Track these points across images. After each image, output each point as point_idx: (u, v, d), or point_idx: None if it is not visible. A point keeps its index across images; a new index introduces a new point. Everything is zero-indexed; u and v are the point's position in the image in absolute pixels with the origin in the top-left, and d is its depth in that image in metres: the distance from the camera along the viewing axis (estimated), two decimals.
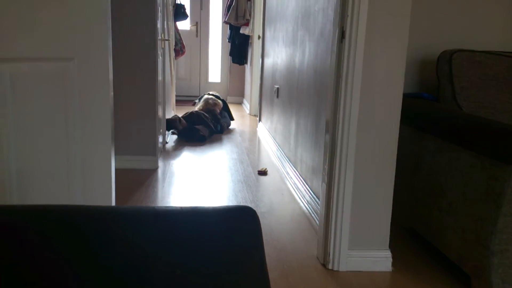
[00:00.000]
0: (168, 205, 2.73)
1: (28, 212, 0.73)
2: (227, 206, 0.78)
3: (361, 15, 1.77)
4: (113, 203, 1.60)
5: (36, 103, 1.36)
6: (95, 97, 1.50)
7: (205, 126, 4.68)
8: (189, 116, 4.72)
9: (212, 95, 5.37)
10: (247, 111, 6.31)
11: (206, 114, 4.85)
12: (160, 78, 3.70)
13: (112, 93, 1.57)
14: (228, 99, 7.17)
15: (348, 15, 1.78)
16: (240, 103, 7.16)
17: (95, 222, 0.70)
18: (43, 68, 1.37)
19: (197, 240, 0.72)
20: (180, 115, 4.75)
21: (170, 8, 4.55)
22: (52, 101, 1.40)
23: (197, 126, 4.58)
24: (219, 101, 5.23)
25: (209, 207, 0.78)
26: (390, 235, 2.04)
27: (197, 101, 5.44)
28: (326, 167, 2.00)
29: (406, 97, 2.27)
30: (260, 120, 5.09)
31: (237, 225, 0.75)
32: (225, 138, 4.67)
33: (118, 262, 0.69)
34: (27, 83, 1.33)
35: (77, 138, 1.48)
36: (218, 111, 5.11)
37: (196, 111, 4.84)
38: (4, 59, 1.26)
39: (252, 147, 4.33)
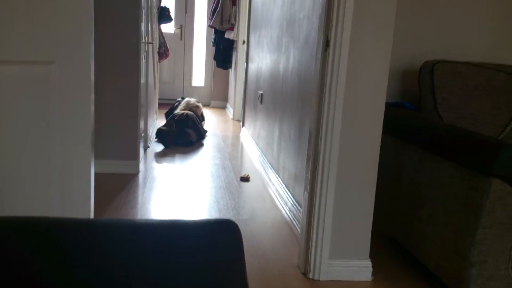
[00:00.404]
0: (148, 211, 2.70)
1: (4, 224, 0.70)
2: (208, 219, 0.77)
3: (346, 24, 1.78)
4: (92, 209, 1.57)
5: (16, 106, 1.33)
6: (76, 100, 1.48)
7: (195, 130, 4.61)
8: (183, 119, 4.54)
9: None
10: (231, 116, 6.30)
11: (197, 117, 4.79)
12: (143, 81, 3.67)
13: (93, 97, 1.54)
14: (212, 103, 7.15)
15: (332, 24, 1.79)
16: (223, 107, 7.14)
17: (73, 235, 0.67)
18: (23, 71, 1.34)
19: (177, 254, 0.71)
20: (171, 115, 4.65)
21: (155, 10, 4.52)
22: (33, 104, 1.37)
23: (188, 130, 4.50)
24: (200, 104, 5.20)
25: (189, 220, 0.77)
26: (371, 245, 2.05)
27: (176, 104, 5.34)
28: (309, 175, 2.00)
29: (388, 106, 2.29)
30: (243, 125, 5.08)
31: (218, 239, 0.73)
32: (207, 143, 4.64)
33: (96, 276, 0.67)
34: (7, 87, 1.30)
35: (57, 141, 1.45)
36: (199, 113, 5.07)
37: (188, 113, 4.68)
38: None
39: (235, 152, 4.31)
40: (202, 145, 4.52)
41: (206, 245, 0.72)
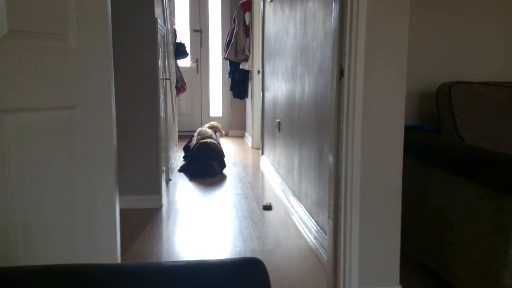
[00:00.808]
0: (173, 245, 2.71)
1: (33, 273, 0.72)
2: (234, 258, 0.78)
3: (359, 52, 1.80)
4: (118, 250, 1.58)
5: (40, 152, 1.37)
6: (99, 143, 1.51)
7: (219, 161, 4.59)
8: (206, 150, 4.49)
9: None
10: (250, 144, 6.33)
11: (220, 146, 4.75)
12: (162, 115, 3.74)
13: (115, 140, 1.58)
14: (230, 133, 7.21)
15: (345, 54, 1.81)
16: (242, 136, 7.19)
17: (101, 283, 0.69)
18: (47, 117, 1.38)
19: None
20: (192, 146, 4.65)
21: (171, 47, 4.64)
22: (56, 149, 1.41)
23: (212, 163, 4.49)
24: (218, 124, 5.26)
25: (216, 260, 0.78)
26: (400, 270, 2.01)
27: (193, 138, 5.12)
28: (332, 203, 1.99)
29: (408, 129, 2.28)
30: (262, 153, 5.10)
31: (245, 278, 0.74)
32: (228, 172, 4.67)
33: None
34: (31, 133, 1.34)
35: (81, 186, 1.48)
36: (220, 134, 5.09)
37: (211, 143, 4.59)
38: (8, 109, 1.28)
39: (255, 181, 4.32)
40: (222, 174, 4.54)
41: (233, 285, 0.73)
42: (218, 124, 5.49)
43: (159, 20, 3.50)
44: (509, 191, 1.59)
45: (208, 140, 4.72)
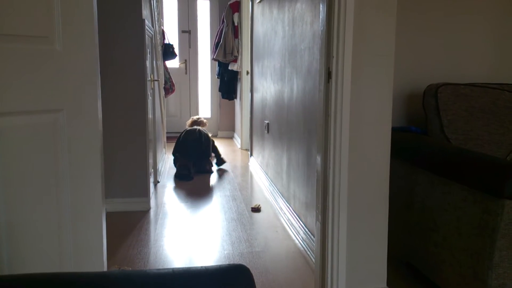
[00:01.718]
0: (161, 248, 2.69)
1: (17, 282, 0.71)
2: (219, 265, 0.77)
3: (346, 55, 1.81)
4: (105, 254, 1.57)
5: (25, 156, 1.35)
6: (84, 146, 1.50)
7: (215, 155, 4.92)
8: (199, 147, 4.59)
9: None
10: (238, 146, 6.32)
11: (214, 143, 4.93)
12: (150, 117, 3.71)
13: (101, 142, 1.56)
14: (219, 134, 7.19)
15: (333, 56, 1.82)
16: (231, 137, 7.18)
17: None
18: (32, 120, 1.37)
19: None
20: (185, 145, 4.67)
21: (159, 48, 4.62)
22: (42, 153, 1.39)
23: (206, 164, 4.68)
24: (202, 118, 5.39)
25: (201, 267, 0.77)
26: (388, 271, 2.02)
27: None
28: (320, 205, 1.99)
29: (395, 130, 2.30)
30: (251, 154, 5.09)
31: (231, 286, 0.73)
32: (217, 173, 4.65)
33: None
34: (16, 137, 1.33)
35: (67, 190, 1.46)
36: (204, 126, 5.23)
37: (202, 132, 4.73)
38: None
39: (244, 183, 4.31)
40: (211, 176, 4.53)
41: None
42: (202, 118, 5.48)
43: (146, 21, 3.48)
44: (495, 193, 1.61)
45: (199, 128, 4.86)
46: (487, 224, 1.65)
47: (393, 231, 2.27)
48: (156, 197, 3.77)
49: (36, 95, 1.35)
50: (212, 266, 0.77)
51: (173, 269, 0.75)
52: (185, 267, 0.76)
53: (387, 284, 2.01)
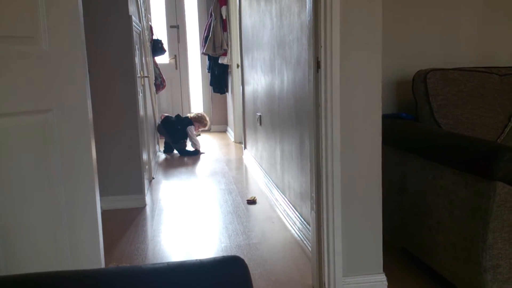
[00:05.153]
0: (158, 244, 2.70)
1: (13, 283, 0.71)
2: (214, 258, 0.78)
3: (334, 45, 1.81)
4: (102, 252, 1.57)
5: (16, 157, 1.35)
6: (76, 145, 1.49)
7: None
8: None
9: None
10: (232, 139, 6.32)
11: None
12: (142, 113, 3.71)
13: (93, 140, 1.56)
14: (212, 128, 7.19)
15: (321, 46, 1.82)
16: (224, 131, 7.17)
17: None
18: (22, 121, 1.36)
19: None
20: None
21: (148, 44, 4.59)
22: (33, 153, 1.39)
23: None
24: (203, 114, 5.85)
25: (196, 260, 0.78)
26: (384, 258, 2.04)
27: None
28: (314, 195, 2.00)
29: (386, 118, 2.31)
30: (245, 147, 5.10)
31: (225, 278, 0.74)
32: (211, 167, 4.66)
33: None
34: (6, 138, 1.32)
35: (60, 189, 1.46)
36: (196, 128, 5.65)
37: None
38: None
39: (239, 175, 4.32)
40: (206, 169, 4.54)
41: (214, 284, 0.73)
42: (202, 114, 5.82)
43: (134, 18, 3.46)
44: (486, 175, 1.62)
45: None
46: (479, 206, 1.66)
47: (388, 218, 2.30)
48: (151, 194, 3.78)
49: (24, 96, 1.35)
50: (207, 258, 0.78)
51: (168, 263, 0.76)
52: (180, 261, 0.77)
53: (384, 270, 2.03)
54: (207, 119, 5.86)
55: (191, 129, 5.46)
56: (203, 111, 7.26)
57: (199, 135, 6.69)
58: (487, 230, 1.64)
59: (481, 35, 2.64)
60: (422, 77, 2.24)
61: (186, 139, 5.46)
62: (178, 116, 5.59)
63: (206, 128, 5.92)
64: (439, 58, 2.60)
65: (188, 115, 5.82)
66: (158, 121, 5.41)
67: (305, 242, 2.57)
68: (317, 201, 1.99)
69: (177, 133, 5.36)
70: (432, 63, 2.58)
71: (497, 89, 2.25)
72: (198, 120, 5.70)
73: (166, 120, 5.37)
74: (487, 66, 2.58)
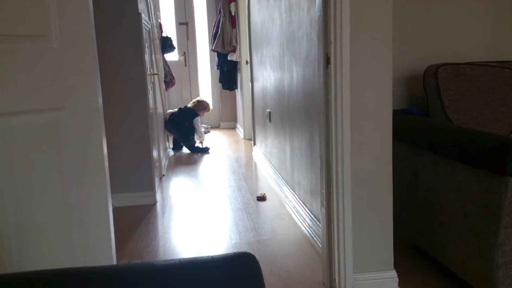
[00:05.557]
0: (169, 241, 2.71)
1: (25, 279, 0.72)
2: (225, 254, 0.78)
3: (344, 39, 1.80)
4: (113, 249, 1.59)
5: (29, 155, 1.36)
6: (88, 143, 1.51)
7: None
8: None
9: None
10: (241, 136, 6.33)
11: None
12: (152, 111, 3.72)
13: (105, 138, 1.57)
14: (222, 125, 7.20)
15: (331, 41, 1.81)
16: (233, 128, 7.18)
17: (94, 286, 0.69)
18: (34, 119, 1.38)
19: None
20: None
21: (157, 42, 4.61)
22: (45, 151, 1.40)
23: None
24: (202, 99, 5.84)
25: (207, 257, 0.78)
26: (394, 254, 2.03)
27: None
28: (324, 191, 2.00)
29: (396, 113, 2.29)
30: (254, 144, 5.10)
31: (237, 274, 0.75)
32: (221, 164, 4.67)
33: None
34: (19, 136, 1.34)
35: (72, 187, 1.48)
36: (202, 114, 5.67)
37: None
38: None
39: (249, 172, 4.33)
40: (215, 166, 4.55)
41: (226, 281, 0.73)
42: (199, 99, 5.83)
43: (143, 15, 3.47)
44: (498, 171, 1.61)
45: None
46: (491, 202, 1.65)
47: (398, 214, 2.29)
48: (161, 191, 3.80)
49: (36, 95, 1.36)
50: (218, 255, 0.79)
51: (180, 259, 0.77)
52: (192, 257, 0.78)
53: (394, 267, 2.02)
54: (205, 100, 5.80)
55: (197, 121, 5.49)
56: (213, 108, 7.28)
57: (208, 132, 6.72)
58: (499, 226, 1.63)
59: (492, 29, 2.61)
60: (433, 72, 2.22)
61: (194, 135, 5.49)
62: (180, 109, 5.55)
63: (209, 111, 5.88)
64: (449, 52, 2.58)
65: (189, 105, 5.75)
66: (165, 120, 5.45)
67: (315, 238, 2.57)
68: (327, 197, 1.98)
69: (185, 130, 5.39)
70: (442, 57, 2.56)
71: (509, 84, 2.23)
72: (200, 107, 5.67)
73: (173, 118, 5.39)
74: (498, 60, 2.56)
